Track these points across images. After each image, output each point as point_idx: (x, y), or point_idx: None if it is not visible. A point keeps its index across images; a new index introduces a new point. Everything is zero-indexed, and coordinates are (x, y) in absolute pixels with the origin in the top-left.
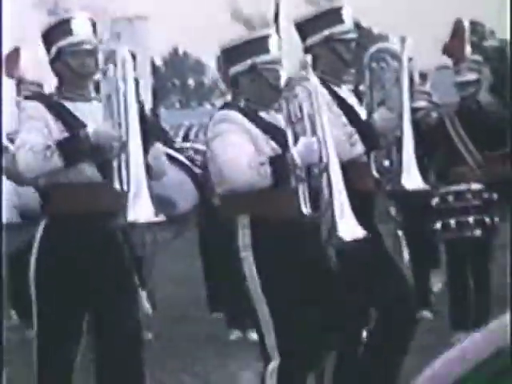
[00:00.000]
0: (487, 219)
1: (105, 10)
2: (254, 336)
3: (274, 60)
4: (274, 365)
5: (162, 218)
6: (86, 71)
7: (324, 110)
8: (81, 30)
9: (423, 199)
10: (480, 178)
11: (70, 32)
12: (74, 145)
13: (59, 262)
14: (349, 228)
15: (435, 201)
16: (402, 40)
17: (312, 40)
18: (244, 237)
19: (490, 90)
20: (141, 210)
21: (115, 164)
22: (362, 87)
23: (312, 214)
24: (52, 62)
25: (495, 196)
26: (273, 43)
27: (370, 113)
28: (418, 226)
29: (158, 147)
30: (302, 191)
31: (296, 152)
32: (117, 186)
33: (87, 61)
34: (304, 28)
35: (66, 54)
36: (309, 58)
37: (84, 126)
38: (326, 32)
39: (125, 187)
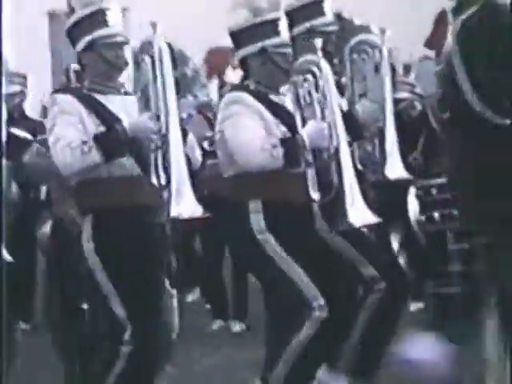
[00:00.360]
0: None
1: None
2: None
3: (284, 43)
4: None
5: (204, 213)
6: (120, 63)
7: (334, 94)
8: (115, 22)
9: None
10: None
11: (105, 23)
12: (112, 139)
13: (122, 255)
14: (359, 214)
15: (419, 193)
16: (382, 31)
17: (297, 30)
18: (259, 221)
19: None
20: (184, 205)
21: (152, 157)
22: (343, 79)
23: (321, 199)
24: (82, 53)
25: None
26: (283, 26)
27: (351, 104)
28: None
29: (192, 138)
30: (311, 175)
31: (306, 134)
32: (154, 179)
33: (120, 52)
34: (288, 19)
35: (101, 45)
36: (319, 42)
37: (118, 119)
38: (308, 24)
39: (161, 181)
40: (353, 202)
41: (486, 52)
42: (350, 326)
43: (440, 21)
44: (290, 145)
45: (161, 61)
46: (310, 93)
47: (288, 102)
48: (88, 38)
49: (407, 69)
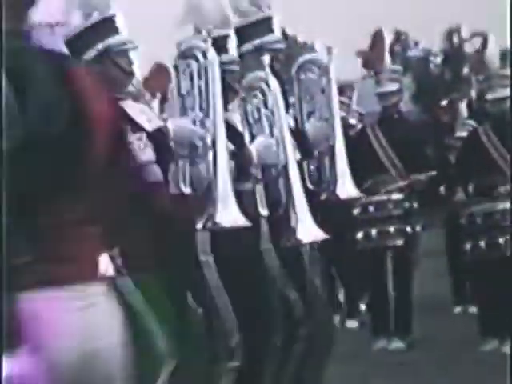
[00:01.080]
0: (408, 228)
1: None
2: None
3: (232, 60)
4: None
5: (247, 222)
6: (132, 69)
7: (282, 111)
8: (124, 28)
9: (345, 209)
10: (401, 188)
11: (116, 30)
12: (162, 138)
13: None
14: (308, 231)
15: (356, 211)
16: (329, 50)
17: (245, 48)
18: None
19: (412, 99)
20: (229, 213)
21: (181, 163)
22: (291, 98)
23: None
24: (92, 61)
25: (416, 205)
26: (232, 44)
27: (300, 122)
28: (339, 236)
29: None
30: (260, 191)
31: (254, 150)
32: (182, 186)
33: (132, 59)
34: (236, 36)
35: (114, 52)
36: (266, 58)
37: (138, 125)
38: (256, 41)
39: (185, 188)
40: (301, 219)
41: None
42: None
43: (376, 40)
44: (238, 159)
45: (206, 64)
46: (258, 109)
47: (236, 118)
48: (100, 46)
49: (349, 88)
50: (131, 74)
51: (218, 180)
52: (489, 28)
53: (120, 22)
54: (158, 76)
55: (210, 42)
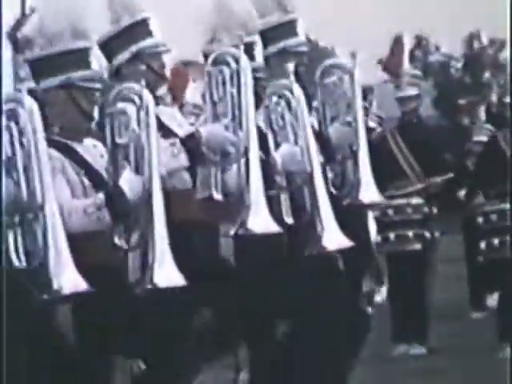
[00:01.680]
0: (427, 233)
1: None
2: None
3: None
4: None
5: (278, 228)
6: (166, 73)
7: (307, 118)
8: (157, 31)
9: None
10: (420, 192)
11: (149, 33)
12: (194, 144)
13: None
14: (333, 238)
15: (375, 214)
16: (353, 55)
17: (270, 50)
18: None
19: (432, 104)
20: (261, 219)
21: (213, 170)
22: (314, 102)
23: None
24: (123, 64)
25: (435, 210)
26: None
27: (323, 127)
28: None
29: None
30: (285, 199)
31: (279, 158)
32: (214, 193)
33: (165, 62)
34: (261, 39)
35: (147, 55)
36: (291, 66)
37: (171, 130)
38: (282, 44)
39: (216, 195)
40: (327, 226)
41: None
42: None
43: (396, 45)
44: (263, 167)
45: (238, 70)
46: (282, 116)
47: (261, 126)
48: (133, 49)
49: (368, 91)
50: (164, 78)
51: (251, 186)
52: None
53: (153, 25)
54: (177, 80)
55: (242, 48)
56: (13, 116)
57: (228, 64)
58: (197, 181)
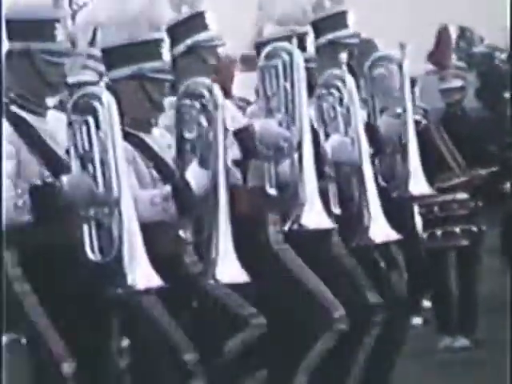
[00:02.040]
0: (474, 228)
1: None
2: None
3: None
4: None
5: (332, 224)
6: (218, 67)
7: (358, 109)
8: (213, 25)
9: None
10: (465, 185)
11: (205, 26)
12: (247, 138)
13: None
14: (380, 230)
15: (421, 211)
16: (402, 47)
17: (319, 43)
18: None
19: (476, 95)
20: (315, 214)
21: (266, 165)
22: (363, 95)
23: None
24: (179, 56)
25: (481, 205)
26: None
27: (372, 119)
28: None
29: None
30: (333, 190)
31: (329, 148)
32: (267, 188)
33: (219, 56)
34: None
35: (202, 48)
36: (344, 56)
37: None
38: (331, 36)
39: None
40: (374, 218)
41: None
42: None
43: (442, 36)
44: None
45: (293, 67)
46: (334, 107)
47: (312, 116)
48: (189, 42)
49: (412, 83)
50: (216, 72)
51: (305, 181)
52: None
53: (209, 18)
54: (225, 73)
55: (295, 42)
56: (90, 110)
57: (282, 59)
58: (248, 175)
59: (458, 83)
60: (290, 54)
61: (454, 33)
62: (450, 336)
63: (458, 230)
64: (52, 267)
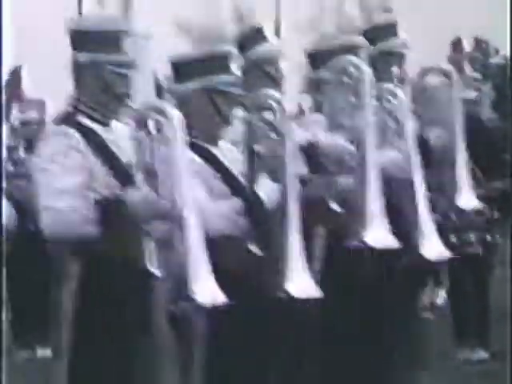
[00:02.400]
0: (488, 237)
1: None
2: None
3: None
4: None
5: (395, 242)
6: (280, 77)
7: (409, 122)
8: (272, 37)
9: None
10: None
11: (265, 39)
12: (312, 153)
13: None
14: (432, 247)
15: (438, 218)
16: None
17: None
18: None
19: (492, 106)
20: (378, 232)
21: (330, 180)
22: (413, 106)
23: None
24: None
25: (496, 214)
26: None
27: (423, 131)
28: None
29: None
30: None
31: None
32: (331, 203)
33: (279, 67)
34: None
35: (263, 60)
36: (395, 69)
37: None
38: (382, 46)
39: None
40: (426, 234)
41: None
42: None
43: (455, 48)
44: None
45: (360, 81)
46: (384, 120)
47: None
48: (250, 55)
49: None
50: (278, 82)
51: (369, 197)
52: None
53: (268, 31)
54: None
55: (363, 56)
56: (154, 123)
57: (349, 73)
58: (310, 188)
59: (472, 94)
60: (358, 68)
61: (469, 45)
62: (467, 348)
63: (473, 237)
64: (113, 280)
